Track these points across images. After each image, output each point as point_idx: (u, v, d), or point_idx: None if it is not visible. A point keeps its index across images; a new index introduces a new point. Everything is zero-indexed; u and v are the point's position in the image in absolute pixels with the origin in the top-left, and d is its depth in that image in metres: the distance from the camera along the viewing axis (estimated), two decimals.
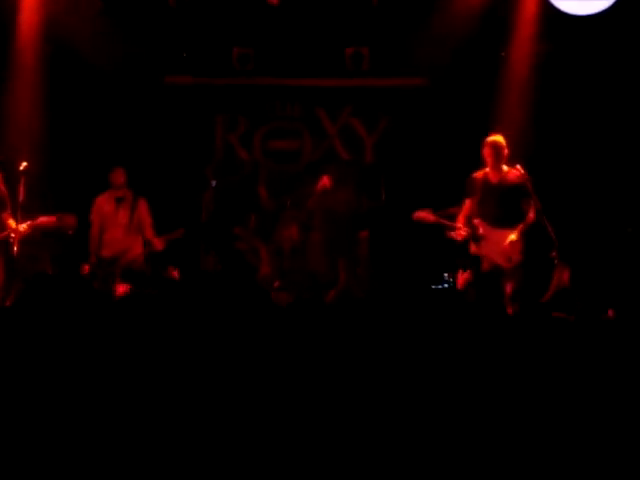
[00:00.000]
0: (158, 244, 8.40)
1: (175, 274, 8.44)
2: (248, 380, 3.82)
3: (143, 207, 8.59)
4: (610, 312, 6.84)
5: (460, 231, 7.19)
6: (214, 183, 10.00)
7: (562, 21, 9.23)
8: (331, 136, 10.54)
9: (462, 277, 7.35)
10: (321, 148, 10.55)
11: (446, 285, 8.63)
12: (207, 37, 9.96)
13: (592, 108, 9.37)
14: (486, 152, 7.31)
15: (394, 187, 10.02)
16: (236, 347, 4.06)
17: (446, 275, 8.71)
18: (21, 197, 7.31)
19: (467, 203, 7.33)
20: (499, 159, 7.27)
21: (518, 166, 7.28)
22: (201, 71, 10.19)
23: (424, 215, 7.18)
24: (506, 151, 7.29)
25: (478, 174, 7.35)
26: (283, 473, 3.42)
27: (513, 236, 7.15)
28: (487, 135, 7.41)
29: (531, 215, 7.19)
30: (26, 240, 7.43)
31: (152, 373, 3.86)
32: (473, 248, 7.17)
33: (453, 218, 7.45)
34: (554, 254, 7.15)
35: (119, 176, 8.56)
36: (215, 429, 3.57)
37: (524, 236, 7.21)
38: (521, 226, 7.18)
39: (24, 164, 7.45)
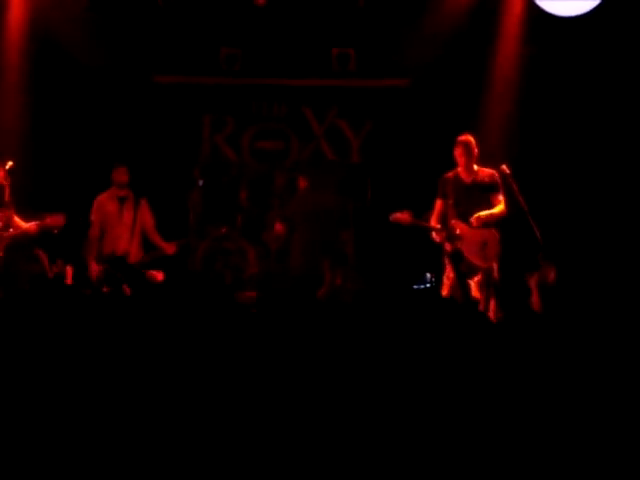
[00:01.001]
0: (169, 249, 8.23)
1: (159, 277, 8.26)
2: (235, 380, 3.84)
3: (146, 209, 8.36)
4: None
5: (438, 232, 7.21)
6: (201, 183, 9.99)
7: (547, 23, 9.28)
8: (318, 137, 10.56)
9: (447, 283, 7.34)
10: (308, 149, 10.56)
11: (428, 285, 8.64)
12: (195, 37, 9.97)
13: (577, 109, 9.42)
14: (457, 151, 7.33)
15: (380, 188, 10.05)
16: (222, 348, 4.07)
17: (428, 275, 8.72)
18: (7, 197, 7.30)
19: (438, 203, 7.35)
20: (470, 158, 7.30)
21: (504, 166, 7.31)
22: (189, 71, 10.19)
23: (401, 217, 7.19)
24: (476, 150, 7.33)
25: (449, 174, 7.37)
26: (270, 473, 3.44)
27: (481, 214, 7.14)
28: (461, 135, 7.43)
29: (500, 207, 7.21)
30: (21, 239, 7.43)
31: (144, 372, 3.87)
32: (449, 248, 7.18)
33: None
34: (539, 255, 7.18)
35: (122, 174, 8.30)
36: (204, 427, 3.58)
37: (500, 234, 7.23)
38: (489, 213, 7.17)
39: (10, 163, 7.43)
